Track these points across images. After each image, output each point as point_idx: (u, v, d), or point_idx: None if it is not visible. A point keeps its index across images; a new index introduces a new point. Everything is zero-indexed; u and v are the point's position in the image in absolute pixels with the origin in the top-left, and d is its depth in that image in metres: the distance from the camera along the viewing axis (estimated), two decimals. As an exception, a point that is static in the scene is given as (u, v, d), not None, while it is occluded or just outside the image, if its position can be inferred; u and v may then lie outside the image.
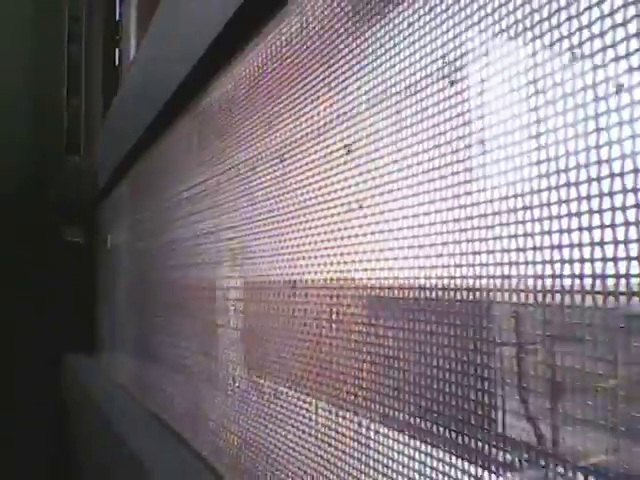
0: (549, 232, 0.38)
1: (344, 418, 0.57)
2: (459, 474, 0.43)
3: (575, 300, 0.36)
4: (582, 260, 0.35)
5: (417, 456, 0.47)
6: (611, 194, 0.34)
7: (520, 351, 0.40)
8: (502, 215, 0.42)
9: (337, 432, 0.58)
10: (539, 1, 0.39)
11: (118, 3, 2.34)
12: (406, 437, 0.49)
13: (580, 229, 0.36)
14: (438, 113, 0.48)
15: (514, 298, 0.40)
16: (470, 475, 0.42)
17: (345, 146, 0.58)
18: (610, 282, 0.34)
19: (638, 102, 0.33)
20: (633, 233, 0.33)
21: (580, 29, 0.37)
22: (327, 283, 0.60)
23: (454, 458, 0.44)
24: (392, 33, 0.52)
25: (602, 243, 0.34)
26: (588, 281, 0.35)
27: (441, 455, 0.45)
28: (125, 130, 1.57)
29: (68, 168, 2.33)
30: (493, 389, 0.41)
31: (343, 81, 0.59)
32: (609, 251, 0.34)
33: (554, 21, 0.38)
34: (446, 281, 0.46)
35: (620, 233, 0.34)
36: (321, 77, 0.63)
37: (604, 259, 0.34)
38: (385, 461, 0.51)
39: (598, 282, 0.34)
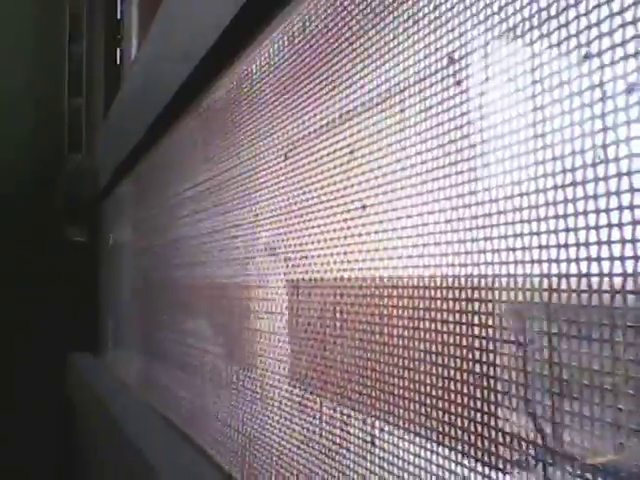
0: (555, 231, 0.38)
1: (349, 416, 0.57)
2: (465, 472, 0.43)
3: (581, 298, 0.36)
4: (589, 259, 0.35)
5: (423, 454, 0.47)
6: (618, 193, 0.34)
7: (525, 349, 0.40)
8: (507, 214, 0.42)
9: (342, 430, 0.58)
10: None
11: (119, 2, 2.34)
12: (411, 435, 0.49)
13: (587, 228, 0.36)
14: (442, 112, 0.48)
15: (519, 296, 0.40)
16: (477, 473, 0.42)
17: (349, 145, 0.58)
18: (617, 280, 0.34)
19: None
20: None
21: (589, 27, 0.37)
22: (331, 282, 0.60)
23: (460, 456, 0.44)
24: (396, 32, 0.52)
25: (609, 242, 0.34)
26: (594, 280, 0.35)
27: (447, 453, 0.45)
28: (127, 129, 1.57)
29: (70, 167, 2.33)
30: (498, 387, 0.41)
31: (347, 80, 0.59)
32: (616, 250, 0.34)
33: (562, 19, 0.38)
34: (450, 280, 0.46)
35: (627, 232, 0.34)
36: (324, 76, 0.63)
37: (611, 258, 0.34)
38: (391, 459, 0.51)
39: (605, 280, 0.34)
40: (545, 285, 0.38)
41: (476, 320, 0.43)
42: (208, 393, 1.03)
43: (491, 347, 0.42)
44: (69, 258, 2.34)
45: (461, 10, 0.46)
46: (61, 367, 2.24)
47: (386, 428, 0.52)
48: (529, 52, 0.41)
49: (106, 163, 1.98)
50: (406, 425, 0.50)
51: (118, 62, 2.29)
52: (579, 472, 0.35)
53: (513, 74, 0.41)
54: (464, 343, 0.44)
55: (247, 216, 0.84)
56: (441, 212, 0.47)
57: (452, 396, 0.45)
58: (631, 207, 0.33)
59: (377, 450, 0.53)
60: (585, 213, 0.36)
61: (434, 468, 0.46)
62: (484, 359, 0.42)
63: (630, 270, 0.33)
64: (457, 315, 0.45)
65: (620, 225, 0.34)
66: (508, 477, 0.40)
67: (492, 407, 0.42)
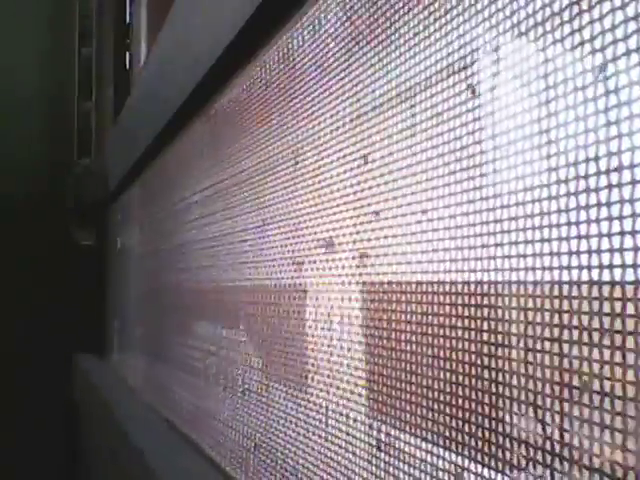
0: (567, 238, 0.38)
1: (355, 420, 0.57)
2: (471, 477, 0.43)
3: (592, 304, 0.35)
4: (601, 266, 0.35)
5: (429, 458, 0.47)
6: (632, 201, 0.34)
7: (532, 353, 0.39)
8: (519, 220, 0.42)
9: (348, 434, 0.58)
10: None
11: (128, 5, 2.35)
12: (418, 439, 0.49)
13: (600, 235, 0.36)
14: (454, 117, 0.48)
15: (529, 302, 0.40)
16: (482, 477, 0.42)
17: (359, 150, 0.58)
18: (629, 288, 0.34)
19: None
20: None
21: (592, 22, 0.36)
22: (341, 287, 0.60)
23: (466, 460, 0.44)
24: (409, 34, 0.52)
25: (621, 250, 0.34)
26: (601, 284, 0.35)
27: (452, 457, 0.45)
28: (136, 133, 1.57)
29: (79, 170, 2.34)
30: (505, 390, 0.41)
31: (359, 82, 0.59)
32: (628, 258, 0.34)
33: (565, 16, 0.38)
34: (460, 286, 0.46)
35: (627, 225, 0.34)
36: (336, 79, 0.63)
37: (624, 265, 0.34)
38: (396, 463, 0.51)
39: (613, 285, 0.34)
40: (556, 292, 0.38)
41: (485, 326, 0.43)
42: (213, 396, 1.02)
43: (500, 353, 0.42)
44: (76, 261, 2.34)
45: (473, 13, 0.46)
46: (66, 369, 2.24)
47: (392, 432, 0.52)
48: (541, 55, 0.41)
49: (115, 167, 1.98)
50: (413, 430, 0.49)
51: (127, 66, 2.30)
52: (586, 475, 0.34)
53: (526, 78, 0.41)
54: (473, 348, 0.44)
55: (255, 221, 0.84)
56: (451, 218, 0.47)
57: (460, 401, 0.45)
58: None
59: (382, 454, 0.53)
60: (597, 221, 0.36)
61: (440, 473, 0.46)
62: (492, 365, 0.42)
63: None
64: (466, 321, 0.45)
65: (633, 233, 0.34)
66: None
67: (500, 412, 0.41)
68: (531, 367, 0.39)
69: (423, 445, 0.48)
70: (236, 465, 0.89)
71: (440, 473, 0.46)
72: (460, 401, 0.45)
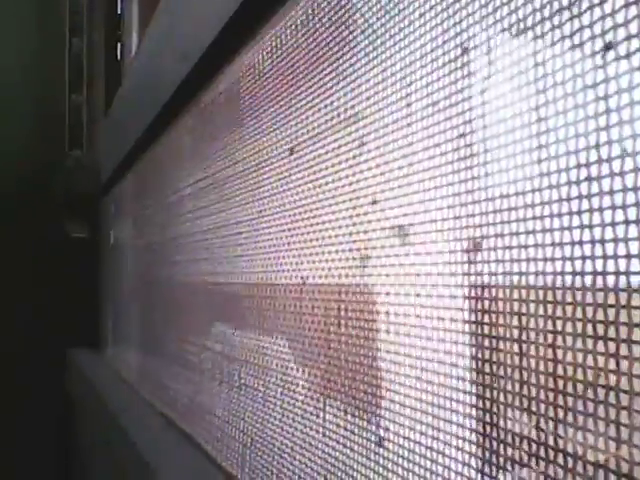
0: (569, 228, 0.37)
1: (353, 416, 0.57)
2: (472, 473, 0.43)
3: (585, 296, 0.35)
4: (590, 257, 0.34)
5: (429, 454, 0.47)
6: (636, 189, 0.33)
7: (527, 347, 0.39)
8: (518, 210, 0.41)
9: (346, 429, 0.58)
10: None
11: (119, -4, 2.33)
12: (416, 435, 0.48)
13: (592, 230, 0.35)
14: (450, 106, 0.47)
15: (524, 294, 0.39)
16: (483, 474, 0.42)
17: (355, 140, 0.57)
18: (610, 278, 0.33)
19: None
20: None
21: (581, 28, 0.36)
22: (338, 280, 0.59)
23: (466, 456, 0.43)
24: (403, 24, 0.51)
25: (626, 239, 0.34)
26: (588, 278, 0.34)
27: (452, 453, 0.44)
28: (128, 125, 1.56)
29: (70, 164, 2.32)
30: (501, 385, 0.40)
31: (351, 74, 0.58)
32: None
33: (575, 10, 0.37)
34: (459, 278, 0.45)
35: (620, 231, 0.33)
36: (327, 70, 0.62)
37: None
38: (395, 459, 0.50)
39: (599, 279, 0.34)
40: (558, 284, 0.37)
41: (486, 319, 0.42)
42: (208, 390, 1.02)
43: (501, 346, 0.41)
44: (69, 254, 2.33)
45: (470, 1, 0.45)
46: (61, 363, 2.24)
47: (391, 428, 0.51)
48: (539, 45, 0.40)
49: (107, 159, 1.97)
50: (410, 425, 0.49)
51: (119, 57, 2.28)
52: (581, 470, 0.34)
53: (524, 67, 0.40)
54: (473, 342, 0.43)
55: (250, 212, 0.83)
56: (450, 208, 0.46)
57: (458, 396, 0.44)
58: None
59: (381, 450, 0.52)
60: (600, 209, 0.35)
61: (439, 469, 0.45)
62: (493, 359, 0.41)
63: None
64: (466, 314, 0.44)
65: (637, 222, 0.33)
66: (515, 477, 0.39)
67: (499, 408, 0.41)
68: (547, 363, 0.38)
69: (423, 441, 0.47)
70: (232, 459, 0.88)
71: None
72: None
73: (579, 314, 0.35)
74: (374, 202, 0.54)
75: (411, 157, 0.51)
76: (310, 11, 0.67)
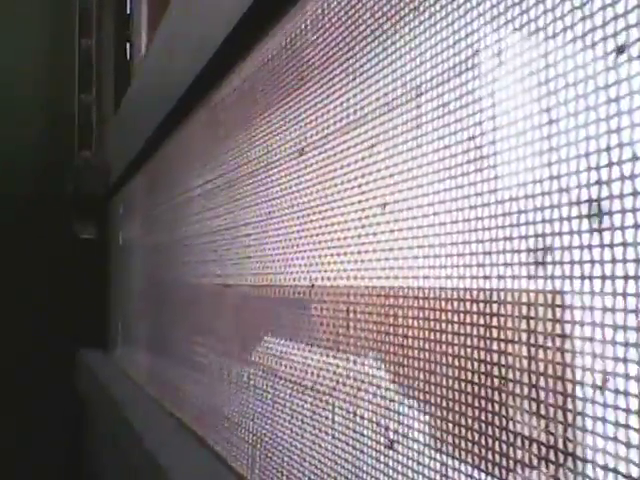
0: (579, 232, 0.37)
1: (362, 418, 0.57)
2: (482, 475, 0.42)
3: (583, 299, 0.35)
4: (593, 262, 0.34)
5: (434, 455, 0.46)
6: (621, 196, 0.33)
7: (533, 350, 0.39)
8: (528, 213, 0.41)
9: (355, 432, 0.57)
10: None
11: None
12: (425, 437, 0.48)
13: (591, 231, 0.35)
14: (460, 108, 0.47)
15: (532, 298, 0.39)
16: (492, 476, 0.41)
17: (365, 141, 0.57)
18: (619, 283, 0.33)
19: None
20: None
21: (593, 29, 0.35)
22: (346, 282, 0.59)
23: (472, 459, 0.43)
24: (413, 24, 0.51)
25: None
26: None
27: (460, 455, 0.44)
28: (137, 125, 1.56)
29: (80, 164, 2.33)
30: (508, 387, 0.40)
31: (362, 74, 0.58)
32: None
33: (587, 10, 0.37)
34: (468, 282, 0.45)
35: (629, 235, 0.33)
36: (339, 70, 0.62)
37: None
38: (405, 461, 0.50)
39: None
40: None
41: (491, 321, 0.42)
42: (218, 392, 1.02)
43: (501, 348, 0.41)
44: (78, 255, 2.34)
45: (481, 1, 0.45)
46: (70, 364, 2.24)
47: (400, 430, 0.51)
48: (550, 46, 0.39)
49: (116, 160, 1.97)
50: (419, 428, 0.49)
51: (128, 57, 2.29)
52: (591, 474, 0.34)
53: (536, 68, 0.40)
54: (481, 345, 0.43)
55: (259, 214, 0.83)
56: (459, 211, 0.46)
57: (464, 398, 0.44)
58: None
59: (391, 452, 0.52)
60: (610, 213, 0.35)
61: (450, 472, 0.45)
62: (496, 361, 0.41)
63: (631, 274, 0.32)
64: (474, 317, 0.44)
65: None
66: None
67: (507, 410, 0.41)
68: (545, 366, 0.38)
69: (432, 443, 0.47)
70: (243, 460, 0.88)
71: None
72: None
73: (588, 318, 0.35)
74: (384, 204, 0.54)
75: (421, 159, 0.50)
76: (320, 11, 0.66)
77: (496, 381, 0.41)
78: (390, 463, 0.52)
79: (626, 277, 0.33)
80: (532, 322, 0.39)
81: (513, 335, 0.40)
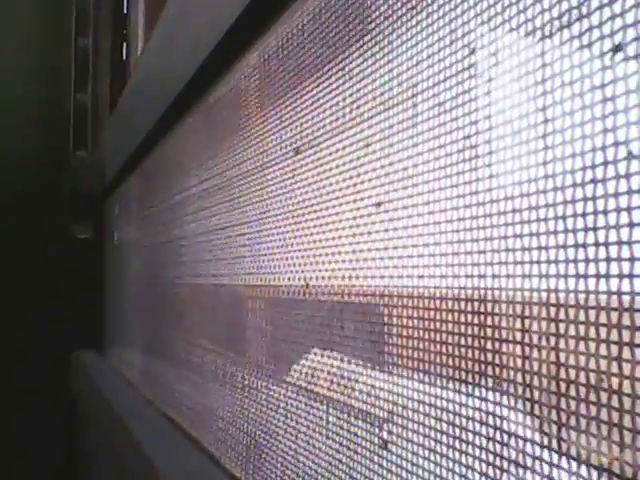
0: (573, 230, 0.36)
1: (357, 418, 0.56)
2: (475, 475, 0.42)
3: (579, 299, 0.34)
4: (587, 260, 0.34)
5: (430, 456, 0.46)
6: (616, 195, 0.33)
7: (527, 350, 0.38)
8: (523, 213, 0.40)
9: (349, 432, 0.57)
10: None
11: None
12: (418, 437, 0.48)
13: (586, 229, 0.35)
14: (456, 107, 0.47)
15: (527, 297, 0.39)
16: (485, 475, 0.41)
17: (361, 140, 0.57)
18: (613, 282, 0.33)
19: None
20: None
21: (590, 28, 0.35)
22: (341, 282, 0.59)
23: (465, 457, 0.43)
24: (410, 24, 0.51)
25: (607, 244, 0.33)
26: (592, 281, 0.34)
27: (452, 454, 0.44)
28: (133, 125, 1.56)
29: (75, 163, 2.32)
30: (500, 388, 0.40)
31: (359, 72, 0.58)
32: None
33: (565, 20, 0.37)
34: (463, 281, 0.45)
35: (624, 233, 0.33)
36: (336, 68, 0.62)
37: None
38: (399, 462, 0.50)
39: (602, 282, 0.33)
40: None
41: (489, 322, 0.42)
42: (212, 392, 1.02)
43: (495, 348, 0.41)
44: (74, 255, 2.33)
45: (478, 1, 0.45)
46: (64, 365, 2.24)
47: (394, 430, 0.51)
48: (547, 45, 0.39)
49: (112, 159, 1.97)
50: (408, 429, 0.48)
51: (124, 58, 2.29)
52: (585, 474, 0.34)
53: (532, 67, 0.40)
54: (476, 344, 0.43)
55: (254, 213, 0.83)
56: (454, 210, 0.46)
57: (455, 404, 0.44)
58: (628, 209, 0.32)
59: (384, 453, 0.52)
60: (605, 212, 0.35)
61: (440, 470, 0.45)
62: (490, 360, 0.41)
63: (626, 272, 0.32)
64: (472, 316, 0.44)
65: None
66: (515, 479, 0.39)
67: (500, 410, 0.40)
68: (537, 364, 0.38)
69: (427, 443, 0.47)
70: (236, 461, 0.88)
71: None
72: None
73: (582, 317, 0.35)
74: (378, 204, 0.54)
75: (416, 158, 0.50)
76: (317, 11, 0.66)
77: (490, 381, 0.41)
78: (384, 464, 0.52)
79: (620, 276, 0.33)
80: (527, 321, 0.39)
81: (508, 334, 0.40)
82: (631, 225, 0.32)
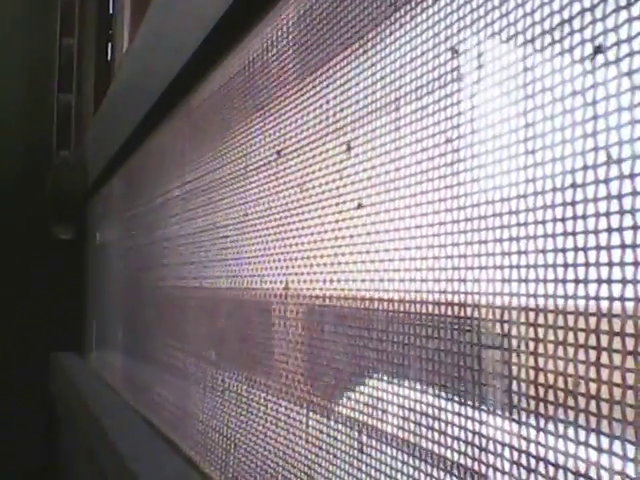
0: (553, 235, 0.36)
1: (336, 422, 0.56)
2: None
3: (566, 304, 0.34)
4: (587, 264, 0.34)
5: (411, 462, 0.46)
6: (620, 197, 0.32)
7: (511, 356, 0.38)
8: (503, 217, 0.40)
9: (329, 436, 0.57)
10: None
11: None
12: (398, 445, 0.48)
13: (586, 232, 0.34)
14: (439, 111, 0.47)
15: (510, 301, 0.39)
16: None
17: (343, 143, 0.57)
18: (616, 287, 0.33)
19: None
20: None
21: (571, 33, 0.36)
22: (322, 285, 0.59)
23: (448, 464, 0.43)
24: (393, 27, 0.51)
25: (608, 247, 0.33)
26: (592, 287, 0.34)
27: (434, 461, 0.44)
28: (116, 125, 1.55)
29: (58, 164, 2.30)
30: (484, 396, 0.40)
31: (342, 76, 0.58)
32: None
33: (547, 25, 0.37)
34: (444, 285, 0.45)
35: (627, 237, 0.33)
36: (319, 71, 0.62)
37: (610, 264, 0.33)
38: (379, 466, 0.50)
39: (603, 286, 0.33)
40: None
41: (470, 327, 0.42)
42: (192, 396, 1.01)
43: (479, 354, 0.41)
44: (55, 256, 2.31)
45: (461, 4, 0.45)
46: (44, 366, 2.21)
47: (373, 436, 0.51)
48: (529, 49, 0.39)
49: (95, 160, 1.95)
50: (391, 436, 0.48)
51: (109, 58, 2.27)
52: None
53: (513, 72, 0.40)
54: (464, 350, 0.43)
55: (236, 216, 0.83)
56: (436, 214, 0.46)
57: (438, 410, 0.43)
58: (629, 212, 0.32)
59: (364, 457, 0.51)
60: (584, 217, 0.35)
61: (421, 476, 0.45)
62: (474, 366, 0.41)
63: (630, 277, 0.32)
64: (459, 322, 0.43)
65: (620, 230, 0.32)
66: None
67: (481, 414, 0.40)
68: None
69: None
70: (214, 465, 0.87)
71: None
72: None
73: (561, 322, 0.35)
74: (359, 206, 0.54)
75: (398, 162, 0.50)
76: (300, 14, 0.66)
77: (471, 386, 0.41)
78: (363, 467, 0.51)
79: (599, 281, 0.32)
80: (506, 325, 0.39)
81: (487, 339, 0.40)
82: (609, 230, 0.32)
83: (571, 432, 0.33)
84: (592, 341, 0.32)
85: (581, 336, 0.33)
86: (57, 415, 2.08)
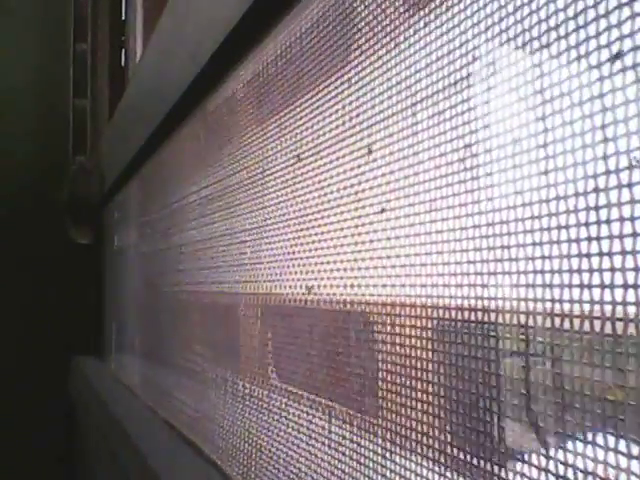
0: (577, 240, 0.36)
1: (359, 428, 0.56)
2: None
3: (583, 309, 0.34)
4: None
5: (428, 474, 0.46)
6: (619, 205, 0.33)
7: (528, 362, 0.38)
8: (525, 222, 0.40)
9: (352, 441, 0.57)
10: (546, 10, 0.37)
11: (124, 1, 2.33)
12: (421, 451, 0.48)
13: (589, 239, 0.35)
14: (456, 116, 0.47)
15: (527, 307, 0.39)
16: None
17: (362, 148, 0.57)
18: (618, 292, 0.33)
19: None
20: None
21: (587, 39, 0.35)
22: (343, 290, 0.59)
23: (463, 474, 0.43)
24: (409, 33, 0.51)
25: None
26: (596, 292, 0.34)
27: (450, 472, 0.44)
28: (132, 130, 1.56)
29: (74, 169, 2.32)
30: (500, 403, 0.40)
31: (360, 79, 0.58)
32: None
33: (562, 30, 0.37)
34: (466, 290, 0.45)
35: (628, 243, 0.33)
36: (338, 74, 0.62)
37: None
38: (402, 472, 0.50)
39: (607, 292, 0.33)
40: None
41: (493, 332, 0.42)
42: (213, 400, 1.01)
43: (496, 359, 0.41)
44: (73, 261, 2.33)
45: (475, 10, 0.45)
46: (64, 371, 2.23)
47: (397, 441, 0.51)
48: (545, 55, 0.39)
49: (111, 165, 1.97)
50: (413, 442, 0.48)
51: (123, 63, 2.29)
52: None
53: (530, 77, 0.40)
54: (479, 355, 0.43)
55: (255, 221, 0.83)
56: (457, 219, 0.46)
57: (457, 415, 0.44)
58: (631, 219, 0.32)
59: (388, 463, 0.52)
60: (608, 222, 0.35)
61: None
62: (492, 371, 0.41)
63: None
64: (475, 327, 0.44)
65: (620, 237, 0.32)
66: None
67: (494, 419, 0.40)
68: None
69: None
70: (237, 467, 0.88)
71: None
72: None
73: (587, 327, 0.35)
74: (383, 211, 0.54)
75: (417, 166, 0.50)
76: (318, 18, 0.66)
77: (488, 391, 0.41)
78: (387, 474, 0.52)
79: (625, 286, 0.32)
80: (530, 331, 0.39)
81: (512, 345, 0.40)
82: (635, 235, 0.32)
83: (600, 439, 0.33)
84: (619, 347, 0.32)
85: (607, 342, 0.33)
86: (77, 418, 2.09)
